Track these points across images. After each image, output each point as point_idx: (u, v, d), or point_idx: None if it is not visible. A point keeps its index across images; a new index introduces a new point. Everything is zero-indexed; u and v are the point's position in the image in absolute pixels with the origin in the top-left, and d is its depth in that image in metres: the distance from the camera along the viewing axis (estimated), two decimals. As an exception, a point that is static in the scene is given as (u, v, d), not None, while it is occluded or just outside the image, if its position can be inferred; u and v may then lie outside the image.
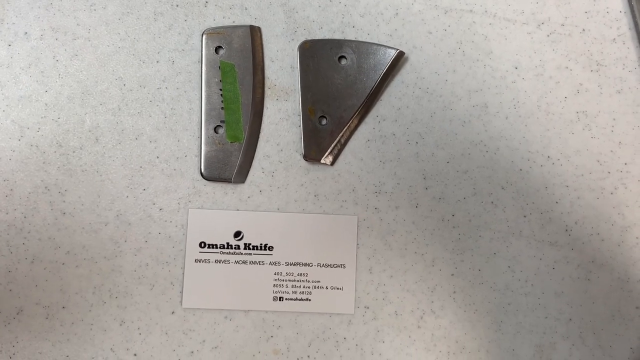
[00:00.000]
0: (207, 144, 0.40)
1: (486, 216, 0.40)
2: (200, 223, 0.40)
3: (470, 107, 0.41)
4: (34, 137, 0.40)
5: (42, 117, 0.40)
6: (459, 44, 0.41)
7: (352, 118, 0.40)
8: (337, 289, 0.40)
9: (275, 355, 0.39)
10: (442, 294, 0.40)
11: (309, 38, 0.41)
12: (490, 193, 0.40)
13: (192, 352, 0.39)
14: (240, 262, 0.40)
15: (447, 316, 0.40)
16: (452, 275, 0.40)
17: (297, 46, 0.41)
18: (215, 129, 0.40)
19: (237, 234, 0.40)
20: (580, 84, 0.41)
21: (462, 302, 0.40)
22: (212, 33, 0.40)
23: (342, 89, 0.40)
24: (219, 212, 0.40)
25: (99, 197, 0.40)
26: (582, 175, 0.41)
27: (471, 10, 0.41)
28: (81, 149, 0.40)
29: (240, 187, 0.40)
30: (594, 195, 0.41)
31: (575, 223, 0.40)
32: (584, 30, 0.41)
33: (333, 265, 0.40)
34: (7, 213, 0.39)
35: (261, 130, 0.41)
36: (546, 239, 0.40)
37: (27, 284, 0.39)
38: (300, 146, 0.40)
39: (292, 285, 0.40)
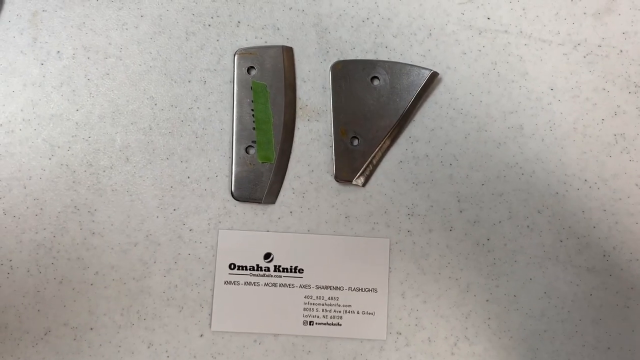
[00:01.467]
0: (238, 164, 0.39)
1: (522, 240, 0.39)
2: (230, 244, 0.39)
3: (506, 128, 0.40)
4: (64, 156, 0.40)
5: (72, 136, 0.40)
6: (494, 64, 0.40)
7: (384, 139, 0.39)
8: (369, 313, 0.39)
9: (305, 381, 0.38)
10: (477, 320, 0.39)
11: (342, 58, 0.40)
12: (526, 217, 0.39)
13: (220, 376, 0.38)
14: (270, 284, 0.39)
15: (481, 343, 0.39)
16: (487, 301, 0.39)
17: (329, 67, 0.40)
18: (247, 149, 0.40)
19: (267, 256, 0.39)
20: (618, 106, 0.40)
21: (497, 328, 0.39)
22: (244, 53, 0.40)
23: (374, 110, 0.40)
24: (249, 233, 0.39)
25: (129, 217, 0.39)
26: (620, 199, 0.40)
27: (506, 31, 0.41)
28: (111, 168, 0.40)
29: (270, 207, 0.40)
30: (632, 220, 0.39)
31: (614, 248, 0.39)
32: (621, 51, 0.41)
33: (364, 289, 0.39)
34: (36, 232, 0.39)
35: (292, 151, 0.40)
36: (583, 265, 0.39)
37: (55, 305, 0.39)
38: (331, 167, 0.40)
39: (323, 310, 0.39)
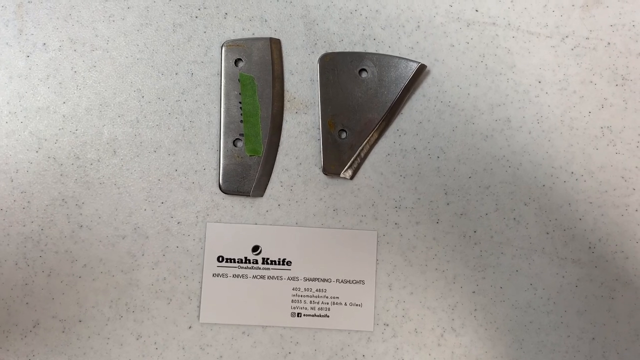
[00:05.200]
0: (225, 157, 0.39)
1: (508, 233, 0.40)
2: (218, 237, 0.39)
3: (493, 121, 0.40)
4: (51, 149, 0.39)
5: (59, 129, 0.40)
6: (482, 57, 0.40)
7: (372, 132, 0.40)
8: (356, 305, 0.39)
9: (293, 372, 0.39)
10: (463, 311, 0.39)
11: (330, 51, 0.40)
12: (512, 209, 0.40)
13: (209, 367, 0.39)
14: (258, 276, 0.39)
15: (467, 334, 0.39)
16: (474, 292, 0.39)
17: (317, 59, 0.40)
18: (234, 142, 0.39)
19: (255, 249, 0.40)
20: (605, 99, 0.40)
21: (483, 320, 0.39)
22: (232, 45, 0.40)
23: (362, 102, 0.40)
24: (237, 226, 0.40)
25: (117, 210, 0.39)
26: (606, 191, 0.40)
27: (494, 23, 0.41)
28: (99, 161, 0.40)
29: (258, 200, 0.40)
30: (618, 212, 0.40)
31: (599, 240, 0.40)
32: (609, 43, 0.41)
33: (352, 281, 0.39)
34: (24, 225, 0.39)
35: (280, 144, 0.40)
36: (569, 257, 0.40)
37: (43, 297, 0.39)
38: (319, 160, 0.40)
39: (311, 301, 0.39)
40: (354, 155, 0.40)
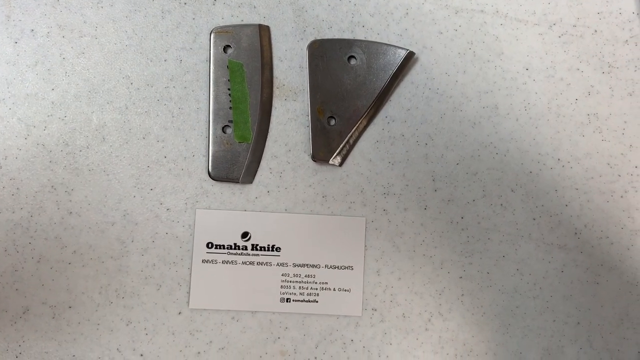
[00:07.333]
0: (214, 143, 0.39)
1: (495, 219, 0.40)
2: (207, 223, 0.40)
3: (481, 108, 0.40)
4: (40, 136, 0.39)
5: (48, 116, 0.40)
6: (470, 44, 0.41)
7: (361, 119, 0.40)
8: (345, 290, 0.40)
9: (282, 357, 0.39)
10: (450, 296, 0.40)
11: (318, 37, 0.40)
12: (499, 195, 0.40)
13: (198, 352, 0.39)
14: (248, 262, 0.40)
15: (454, 319, 0.40)
16: (461, 277, 0.40)
17: (306, 46, 0.40)
18: (223, 129, 0.40)
19: (245, 235, 0.40)
20: (592, 86, 0.41)
21: (470, 304, 0.40)
22: (221, 32, 0.40)
23: (351, 89, 0.40)
24: (227, 212, 0.40)
25: (106, 196, 0.39)
26: (592, 178, 0.40)
27: (482, 11, 0.41)
28: (88, 148, 0.40)
29: (247, 187, 0.40)
30: (603, 198, 0.40)
31: (585, 226, 0.40)
32: (595, 31, 0.41)
33: (341, 266, 0.40)
34: (13, 212, 0.39)
35: (269, 131, 0.40)
36: (555, 242, 0.40)
37: (33, 284, 0.39)
38: (308, 147, 0.40)
39: (300, 287, 0.40)
40: (343, 142, 0.40)
